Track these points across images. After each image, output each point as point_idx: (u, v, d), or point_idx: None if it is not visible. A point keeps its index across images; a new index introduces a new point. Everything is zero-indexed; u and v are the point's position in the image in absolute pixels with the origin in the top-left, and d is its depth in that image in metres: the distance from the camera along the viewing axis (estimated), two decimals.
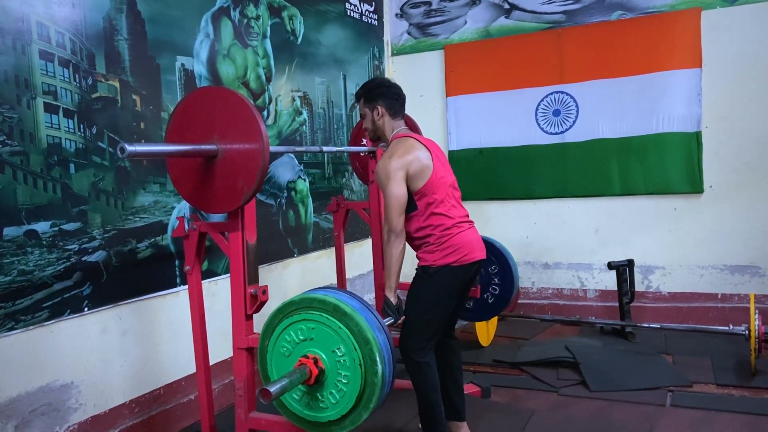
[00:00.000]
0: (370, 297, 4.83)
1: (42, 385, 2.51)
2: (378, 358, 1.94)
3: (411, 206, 2.62)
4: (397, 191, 2.55)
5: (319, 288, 2.18)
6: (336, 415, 2.01)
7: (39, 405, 2.49)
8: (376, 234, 3.58)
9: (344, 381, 1.98)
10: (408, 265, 2.66)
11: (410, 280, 2.73)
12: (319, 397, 2.03)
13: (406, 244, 2.66)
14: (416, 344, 2.62)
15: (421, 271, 2.66)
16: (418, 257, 2.69)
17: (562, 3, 4.91)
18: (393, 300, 2.62)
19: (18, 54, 2.43)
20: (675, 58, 4.56)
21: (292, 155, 4.10)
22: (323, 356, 2.00)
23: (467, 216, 2.75)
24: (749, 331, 3.52)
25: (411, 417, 3.10)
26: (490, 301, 3.74)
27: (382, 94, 2.74)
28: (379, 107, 2.73)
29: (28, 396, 2.46)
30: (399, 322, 2.65)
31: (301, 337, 2.04)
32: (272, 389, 1.84)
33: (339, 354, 1.98)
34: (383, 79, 2.86)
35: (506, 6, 5.11)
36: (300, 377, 1.95)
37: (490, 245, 3.77)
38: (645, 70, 4.64)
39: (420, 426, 2.77)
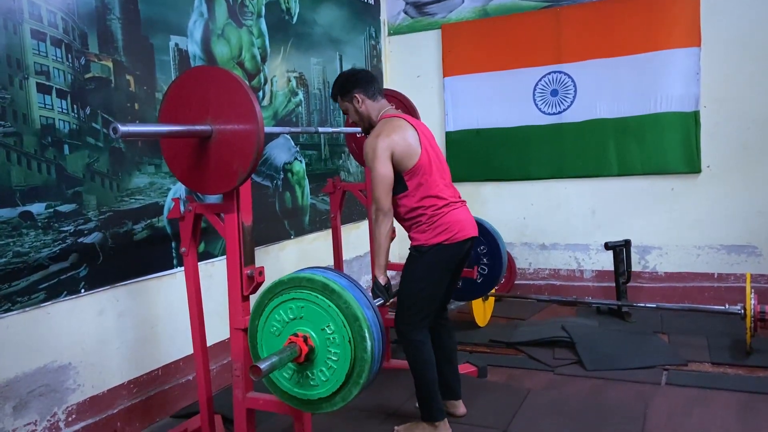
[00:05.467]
0: (366, 278, 4.83)
1: (39, 367, 2.52)
2: (367, 335, 1.96)
3: (401, 187, 2.62)
4: (384, 170, 2.55)
5: (308, 267, 2.18)
6: (326, 392, 2.03)
7: (37, 386, 2.50)
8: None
9: (334, 358, 2.00)
10: (400, 246, 2.66)
11: (401, 261, 2.73)
12: (310, 375, 2.04)
13: (398, 224, 2.66)
14: (411, 323, 2.64)
15: (414, 250, 2.67)
16: (410, 237, 2.69)
17: None
18: (382, 280, 2.63)
19: (10, 33, 2.40)
20: (674, 37, 4.52)
21: (288, 137, 4.08)
22: (313, 334, 2.02)
23: (459, 196, 2.75)
24: (745, 310, 3.54)
25: (408, 397, 3.12)
26: (479, 281, 3.74)
27: (354, 83, 2.73)
28: (356, 95, 2.72)
29: (26, 377, 2.46)
30: (388, 303, 2.66)
31: (291, 316, 2.05)
32: (262, 366, 1.85)
33: (328, 332, 1.99)
34: (349, 70, 2.86)
35: None
36: (290, 355, 1.96)
37: (478, 225, 3.77)
38: (643, 49, 4.61)
39: (417, 405, 2.80)
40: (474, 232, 2.73)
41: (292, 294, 2.04)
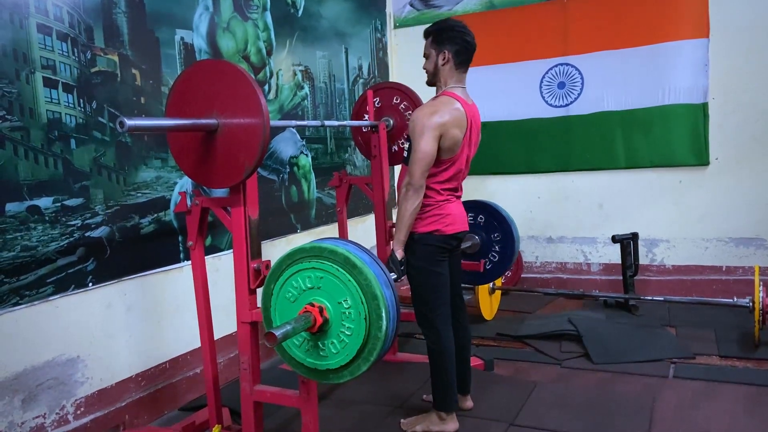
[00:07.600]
0: None
1: (48, 360, 2.53)
2: (384, 314, 1.96)
3: None
4: (428, 148, 2.48)
5: (328, 238, 2.17)
6: (335, 364, 2.03)
7: (45, 379, 2.51)
8: (379, 209, 3.57)
9: (347, 333, 2.00)
10: None
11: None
12: (320, 345, 2.05)
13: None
14: (429, 311, 2.64)
15: (408, 237, 2.66)
16: None
17: None
18: (399, 255, 2.61)
19: (16, 28, 2.40)
20: (682, 28, 4.49)
21: (294, 130, 4.08)
22: (329, 306, 2.02)
23: (459, 195, 2.75)
24: (753, 303, 3.53)
25: (417, 388, 3.12)
26: (488, 267, 3.73)
27: (454, 39, 2.58)
28: (446, 52, 2.59)
29: (35, 370, 2.48)
30: (400, 279, 2.64)
31: (309, 285, 2.04)
32: (277, 333, 1.86)
33: (345, 306, 1.99)
34: (458, 22, 2.64)
35: None
36: (304, 324, 1.96)
37: (492, 210, 3.74)
38: (651, 41, 4.58)
39: (424, 397, 2.80)
40: (464, 227, 2.72)
41: (312, 263, 2.04)
